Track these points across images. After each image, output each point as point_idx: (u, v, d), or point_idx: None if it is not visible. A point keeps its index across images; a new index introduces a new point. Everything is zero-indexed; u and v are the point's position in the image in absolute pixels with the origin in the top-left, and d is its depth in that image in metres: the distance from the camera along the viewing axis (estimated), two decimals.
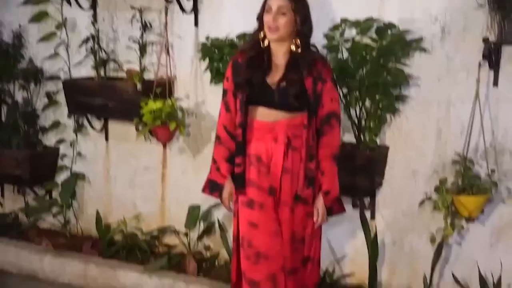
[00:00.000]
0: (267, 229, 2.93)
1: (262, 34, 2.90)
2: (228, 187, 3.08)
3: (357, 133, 3.53)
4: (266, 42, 2.91)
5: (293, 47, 2.90)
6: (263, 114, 2.94)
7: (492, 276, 3.44)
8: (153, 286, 3.84)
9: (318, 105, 2.92)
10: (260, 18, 2.90)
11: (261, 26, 2.90)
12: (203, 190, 3.20)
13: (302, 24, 2.86)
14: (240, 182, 2.98)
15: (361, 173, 3.43)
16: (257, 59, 2.93)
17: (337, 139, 3.00)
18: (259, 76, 2.91)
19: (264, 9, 2.85)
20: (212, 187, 3.14)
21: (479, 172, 3.37)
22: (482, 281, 3.43)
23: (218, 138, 3.11)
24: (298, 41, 2.89)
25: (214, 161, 3.13)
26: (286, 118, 2.92)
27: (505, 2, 3.08)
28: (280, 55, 2.94)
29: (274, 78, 2.93)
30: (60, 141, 4.57)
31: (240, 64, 2.97)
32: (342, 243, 3.81)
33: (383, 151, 3.59)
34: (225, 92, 3.07)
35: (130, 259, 4.09)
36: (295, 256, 2.98)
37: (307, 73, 2.89)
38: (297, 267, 3.00)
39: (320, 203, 2.96)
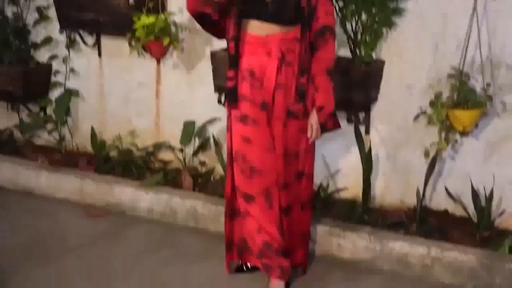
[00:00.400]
0: (261, 144, 2.94)
1: None
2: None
3: (352, 47, 3.51)
4: None
5: None
6: (256, 27, 2.89)
7: (484, 189, 3.50)
8: (149, 201, 3.87)
9: (313, 18, 2.86)
10: None
11: None
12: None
13: None
14: (232, 96, 2.97)
15: (356, 88, 3.43)
16: None
17: (331, 53, 2.94)
18: None
19: None
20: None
21: (474, 86, 3.39)
22: (475, 194, 3.49)
23: None
24: None
25: None
26: (279, 32, 2.88)
27: None
28: None
29: None
30: (53, 57, 4.54)
31: None
32: (336, 158, 3.84)
33: (379, 65, 3.58)
34: None
35: (125, 175, 4.13)
36: (289, 170, 3.01)
37: None
38: (290, 182, 3.04)
39: (313, 119, 2.95)
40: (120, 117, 4.44)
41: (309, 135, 2.96)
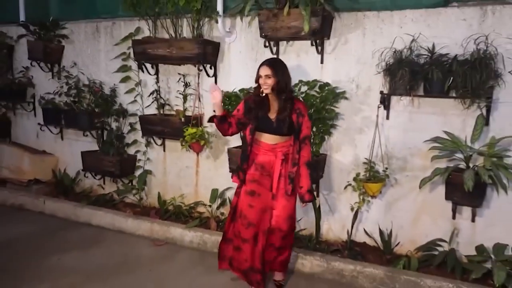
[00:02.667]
0: (259, 209, 2.88)
1: (260, 89, 2.84)
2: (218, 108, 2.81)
3: None
4: (263, 93, 2.83)
5: (282, 96, 2.80)
6: (267, 138, 2.86)
7: (386, 230, 3.48)
8: (191, 236, 3.83)
9: (300, 131, 2.84)
10: (257, 80, 2.84)
11: (258, 84, 2.84)
12: (209, 120, 2.91)
13: (278, 82, 2.76)
14: (244, 179, 2.91)
15: (311, 170, 3.38)
16: (260, 103, 2.84)
17: (308, 153, 2.88)
18: (263, 113, 2.84)
19: (258, 75, 2.82)
20: (213, 117, 2.87)
21: (378, 169, 3.40)
22: (381, 232, 3.48)
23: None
24: (284, 92, 2.80)
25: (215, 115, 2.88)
26: (281, 141, 2.86)
27: (391, 71, 3.17)
28: (273, 100, 2.85)
29: (272, 115, 2.85)
30: (137, 151, 4.60)
31: (250, 104, 2.86)
32: (299, 211, 3.73)
33: (323, 157, 3.61)
34: (232, 116, 2.89)
35: (177, 220, 4.10)
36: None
37: (291, 111, 2.81)
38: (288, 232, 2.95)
39: (300, 196, 2.89)
40: (175, 186, 4.44)
41: (302, 206, 2.94)
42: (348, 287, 3.12)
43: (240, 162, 2.94)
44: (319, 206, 3.60)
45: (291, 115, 2.82)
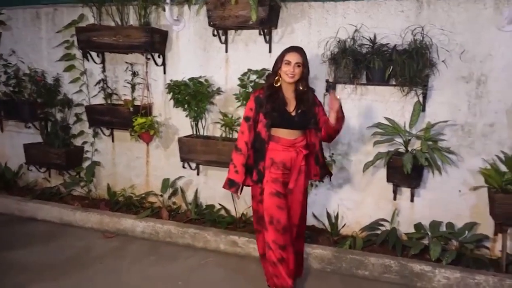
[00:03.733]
0: (287, 210, 2.61)
1: (276, 79, 2.61)
2: (241, 185, 2.65)
3: None
4: (278, 84, 2.61)
5: (300, 87, 2.61)
6: (287, 134, 2.60)
7: (333, 213, 3.58)
8: (143, 227, 3.79)
9: (319, 120, 2.66)
10: (277, 68, 2.59)
11: (276, 73, 2.60)
12: (224, 186, 2.67)
13: (307, 73, 2.61)
14: (261, 179, 2.62)
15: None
16: (274, 95, 2.58)
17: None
18: (280, 107, 2.58)
19: (282, 62, 2.56)
20: (230, 184, 2.64)
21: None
22: (329, 216, 3.58)
23: (239, 149, 2.62)
24: (304, 83, 2.61)
25: (234, 165, 2.63)
26: (301, 135, 2.64)
27: (336, 60, 3.27)
28: (289, 92, 2.62)
29: (290, 108, 2.60)
30: (84, 142, 4.48)
31: (262, 99, 2.59)
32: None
33: None
34: (248, 119, 2.61)
35: (128, 211, 4.04)
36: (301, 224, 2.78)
37: (313, 102, 2.63)
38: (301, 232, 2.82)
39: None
40: (125, 177, 4.36)
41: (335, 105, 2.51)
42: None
43: (255, 162, 2.63)
44: None
45: (314, 107, 2.63)
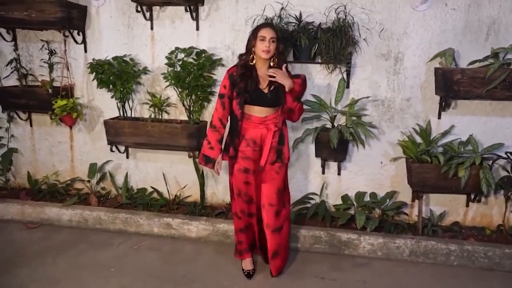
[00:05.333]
0: (256, 185, 2.76)
1: (251, 56, 2.61)
2: (220, 160, 2.77)
3: (188, 114, 3.51)
4: (254, 61, 2.63)
5: (272, 64, 2.62)
6: (258, 111, 2.65)
7: None
8: (70, 215, 3.65)
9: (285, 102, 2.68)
10: (250, 46, 2.60)
11: (250, 51, 2.61)
12: (200, 162, 2.80)
13: (283, 47, 2.63)
14: (235, 156, 2.71)
15: (192, 137, 3.43)
16: (247, 73, 2.61)
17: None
18: (253, 85, 2.60)
19: (256, 39, 2.56)
20: (206, 160, 2.76)
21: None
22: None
23: (213, 126, 2.72)
24: (277, 59, 2.62)
25: (208, 142, 2.74)
26: (272, 113, 2.68)
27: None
28: (263, 70, 2.63)
29: (263, 85, 2.63)
30: None
31: (235, 77, 2.62)
32: (184, 177, 3.78)
33: (204, 124, 3.58)
34: (222, 96, 2.67)
35: (52, 200, 3.86)
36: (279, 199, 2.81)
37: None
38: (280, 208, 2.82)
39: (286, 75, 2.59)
40: (47, 164, 4.12)
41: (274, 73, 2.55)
42: (232, 246, 3.24)
43: (230, 138, 2.72)
44: (202, 172, 3.65)
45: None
